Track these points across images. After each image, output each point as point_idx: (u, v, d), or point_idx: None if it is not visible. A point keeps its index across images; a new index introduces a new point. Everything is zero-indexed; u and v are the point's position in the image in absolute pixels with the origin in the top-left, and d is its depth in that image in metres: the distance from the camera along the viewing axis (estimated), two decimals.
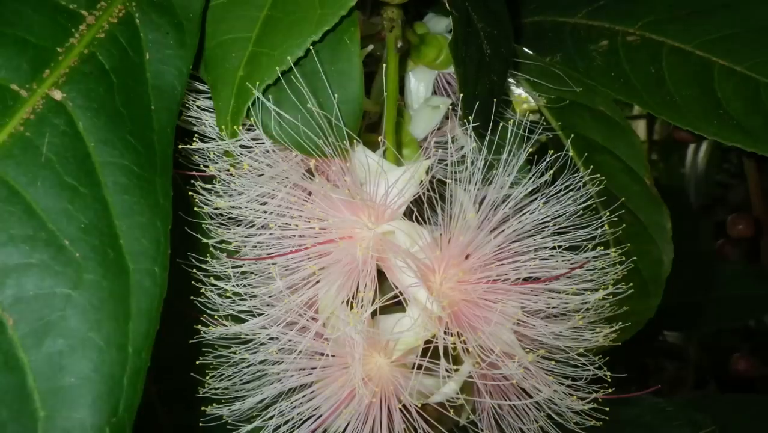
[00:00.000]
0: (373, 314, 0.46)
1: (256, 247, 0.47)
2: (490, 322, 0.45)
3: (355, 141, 0.48)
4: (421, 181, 0.47)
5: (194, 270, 0.49)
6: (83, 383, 0.39)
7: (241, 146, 0.48)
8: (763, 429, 0.78)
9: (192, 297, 0.50)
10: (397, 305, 0.47)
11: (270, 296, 0.46)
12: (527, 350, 0.47)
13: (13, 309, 0.38)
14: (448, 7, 0.49)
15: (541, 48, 0.61)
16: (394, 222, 0.47)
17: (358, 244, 0.46)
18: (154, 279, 0.42)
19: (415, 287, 0.45)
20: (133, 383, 0.40)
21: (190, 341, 0.49)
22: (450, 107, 0.57)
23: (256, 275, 0.47)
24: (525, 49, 0.63)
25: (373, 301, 0.45)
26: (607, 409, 0.48)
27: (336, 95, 0.48)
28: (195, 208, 0.50)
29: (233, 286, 0.48)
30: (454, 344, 0.45)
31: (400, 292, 0.46)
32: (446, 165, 0.48)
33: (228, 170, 0.49)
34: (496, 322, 0.45)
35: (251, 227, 0.48)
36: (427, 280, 0.46)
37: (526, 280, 0.47)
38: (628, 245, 0.58)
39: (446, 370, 0.45)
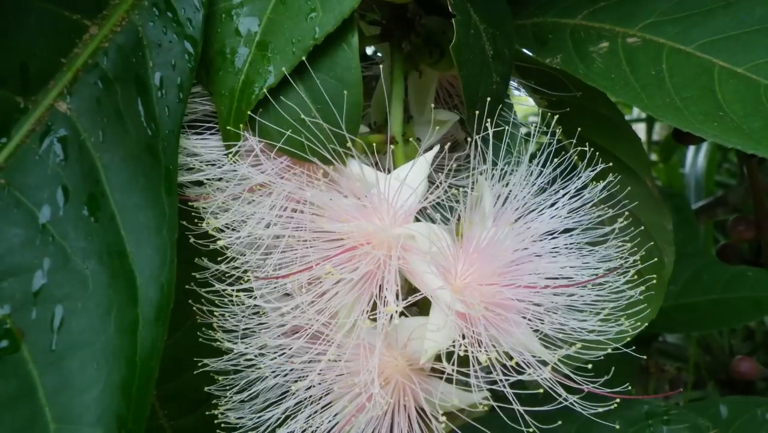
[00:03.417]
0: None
1: (274, 266, 0.47)
2: (513, 324, 0.45)
3: (357, 145, 0.48)
4: (434, 184, 0.47)
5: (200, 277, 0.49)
6: (93, 396, 0.39)
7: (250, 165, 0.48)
8: (764, 431, 0.78)
9: (195, 302, 0.50)
10: (411, 306, 0.47)
11: (292, 309, 0.46)
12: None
13: (22, 322, 0.39)
14: (450, 9, 0.49)
15: (542, 50, 0.61)
16: (410, 225, 0.46)
17: (376, 248, 0.46)
18: (161, 289, 0.42)
19: (439, 290, 0.45)
20: (142, 394, 0.40)
21: (197, 356, 0.49)
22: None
23: (274, 290, 0.47)
24: (525, 51, 0.63)
25: (397, 303, 0.45)
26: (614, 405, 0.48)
27: (335, 101, 0.47)
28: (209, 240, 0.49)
29: (249, 303, 0.48)
30: (481, 349, 0.45)
31: (424, 294, 0.46)
32: (453, 169, 0.48)
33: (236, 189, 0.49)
34: (518, 323, 0.45)
35: (265, 247, 0.48)
36: (446, 281, 0.46)
37: (546, 282, 0.47)
38: (629, 245, 0.58)
39: (476, 376, 0.45)
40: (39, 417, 0.37)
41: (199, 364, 0.50)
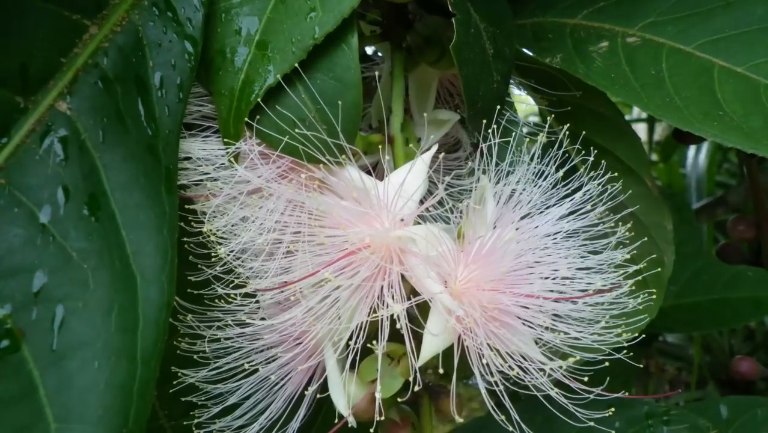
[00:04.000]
0: None
1: (273, 273, 0.47)
2: (512, 330, 0.45)
3: (356, 146, 0.48)
4: (435, 185, 0.47)
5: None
6: (94, 395, 0.39)
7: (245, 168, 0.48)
8: (764, 431, 0.78)
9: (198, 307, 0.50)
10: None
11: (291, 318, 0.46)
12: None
13: (23, 322, 0.39)
14: (450, 9, 0.49)
15: (542, 49, 0.61)
16: (410, 228, 0.46)
17: (375, 252, 0.45)
18: (161, 289, 0.42)
19: (439, 294, 0.45)
20: (143, 394, 0.40)
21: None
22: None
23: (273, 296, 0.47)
24: (525, 50, 0.63)
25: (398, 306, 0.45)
26: (609, 414, 0.48)
27: (335, 101, 0.47)
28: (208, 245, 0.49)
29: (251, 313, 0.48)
30: (482, 355, 0.45)
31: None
32: (454, 169, 0.48)
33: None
34: (518, 328, 0.45)
35: (263, 253, 0.48)
36: (446, 285, 0.46)
37: (547, 285, 0.47)
38: (628, 241, 0.58)
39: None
40: (40, 417, 0.37)
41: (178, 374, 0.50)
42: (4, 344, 0.38)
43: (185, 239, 0.49)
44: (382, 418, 0.45)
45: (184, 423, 0.63)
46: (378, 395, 0.45)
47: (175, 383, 0.51)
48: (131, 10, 0.47)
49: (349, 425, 0.47)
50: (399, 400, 0.48)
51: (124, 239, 0.42)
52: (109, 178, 0.43)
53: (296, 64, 0.47)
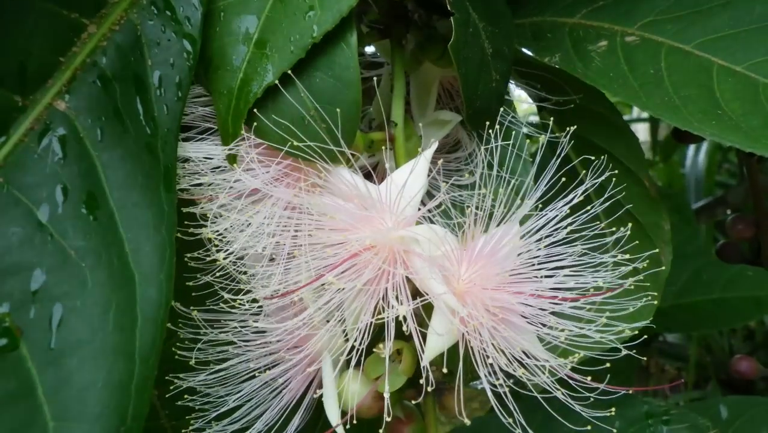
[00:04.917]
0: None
1: (280, 280, 0.47)
2: (516, 328, 0.45)
3: (357, 145, 0.48)
4: (437, 186, 0.47)
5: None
6: (92, 393, 0.39)
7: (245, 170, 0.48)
8: (764, 431, 0.78)
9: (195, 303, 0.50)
10: None
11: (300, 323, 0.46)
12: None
13: (21, 321, 0.39)
14: (448, 8, 0.49)
15: (540, 49, 0.61)
16: (413, 228, 0.46)
17: (379, 253, 0.45)
18: (159, 287, 0.42)
19: (443, 295, 0.45)
20: (141, 392, 0.40)
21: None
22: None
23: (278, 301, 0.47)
24: (524, 50, 0.63)
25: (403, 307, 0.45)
26: (610, 413, 0.48)
27: (334, 99, 0.47)
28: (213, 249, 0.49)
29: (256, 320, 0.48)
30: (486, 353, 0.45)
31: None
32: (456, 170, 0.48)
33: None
34: (521, 327, 0.45)
35: (267, 258, 0.48)
36: (449, 285, 0.46)
37: (547, 284, 0.47)
38: (625, 241, 0.58)
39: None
40: (38, 415, 0.37)
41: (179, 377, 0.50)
42: (3, 342, 0.38)
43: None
44: (390, 418, 0.45)
45: (185, 423, 0.63)
46: (387, 395, 0.45)
47: (172, 388, 0.51)
48: (130, 8, 0.47)
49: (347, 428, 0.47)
50: (413, 402, 0.49)
51: (122, 237, 0.42)
52: (108, 177, 0.43)
53: (295, 63, 0.47)
